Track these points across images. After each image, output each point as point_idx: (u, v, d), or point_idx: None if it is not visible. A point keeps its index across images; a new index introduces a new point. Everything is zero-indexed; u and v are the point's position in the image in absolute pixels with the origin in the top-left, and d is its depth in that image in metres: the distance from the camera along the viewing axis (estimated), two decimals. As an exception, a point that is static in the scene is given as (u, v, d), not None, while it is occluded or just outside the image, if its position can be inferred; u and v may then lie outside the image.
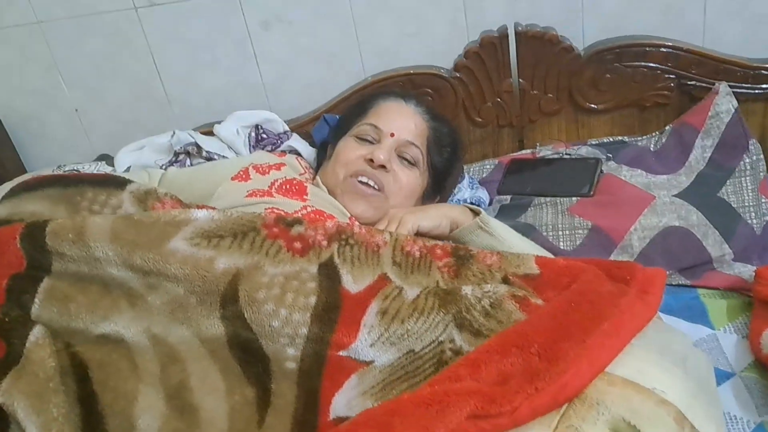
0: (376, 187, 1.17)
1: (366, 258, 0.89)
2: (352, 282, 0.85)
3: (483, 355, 0.74)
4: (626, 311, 0.78)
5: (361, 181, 1.17)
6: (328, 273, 0.85)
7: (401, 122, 1.23)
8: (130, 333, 0.82)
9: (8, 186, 0.98)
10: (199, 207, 0.93)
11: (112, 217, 0.87)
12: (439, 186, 1.31)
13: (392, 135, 1.20)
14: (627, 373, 0.74)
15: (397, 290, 0.85)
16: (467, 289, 0.86)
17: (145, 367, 0.81)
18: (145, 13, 1.54)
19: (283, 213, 1.03)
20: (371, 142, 1.21)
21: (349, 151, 1.21)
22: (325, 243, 0.88)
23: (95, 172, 1.50)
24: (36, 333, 0.79)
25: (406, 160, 1.21)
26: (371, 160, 1.17)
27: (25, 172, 1.71)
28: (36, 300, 0.82)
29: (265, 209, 1.05)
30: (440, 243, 0.94)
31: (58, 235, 0.84)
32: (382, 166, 1.17)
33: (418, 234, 1.09)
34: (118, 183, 0.96)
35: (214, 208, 0.92)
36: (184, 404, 0.79)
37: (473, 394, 0.69)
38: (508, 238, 1.10)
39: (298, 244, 0.87)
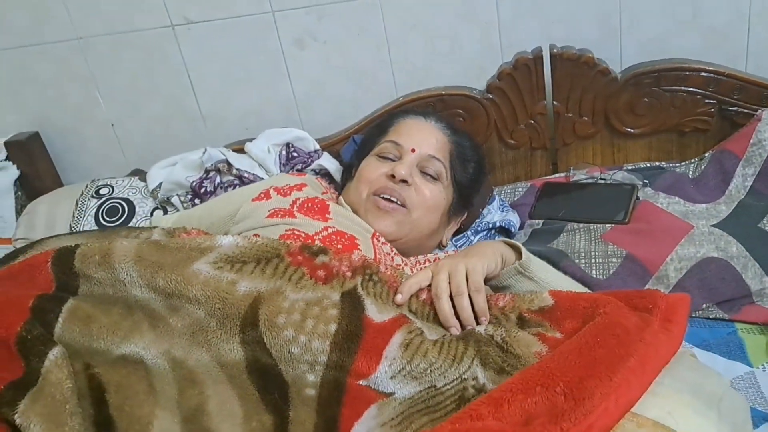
0: (398, 202, 1.17)
1: (387, 298, 0.89)
2: (377, 312, 0.85)
3: (506, 393, 0.72)
4: (651, 345, 0.77)
5: (383, 198, 1.17)
6: (352, 301, 0.85)
7: (422, 138, 1.23)
8: (150, 355, 0.82)
9: None
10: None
11: (138, 241, 0.89)
12: (465, 202, 1.31)
13: (413, 151, 1.21)
14: (657, 414, 0.72)
15: (419, 330, 0.85)
16: (480, 328, 0.86)
17: (162, 390, 0.81)
18: (182, 31, 1.57)
19: (303, 235, 1.04)
20: (393, 160, 1.22)
21: (372, 169, 1.21)
22: (349, 274, 0.88)
23: (128, 187, 1.53)
24: (55, 353, 0.80)
25: (429, 175, 1.21)
26: (392, 176, 1.17)
27: (60, 184, 1.76)
28: (59, 320, 0.83)
29: (286, 230, 1.05)
30: None
31: (85, 257, 0.87)
32: (404, 181, 1.17)
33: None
34: (150, 227, 1.02)
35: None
36: (201, 429, 0.79)
37: (495, 434, 0.67)
38: (549, 281, 1.02)
39: (321, 273, 0.88)
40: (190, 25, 1.56)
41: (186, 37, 1.58)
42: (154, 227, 1.02)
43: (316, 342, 0.79)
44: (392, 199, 1.17)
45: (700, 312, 1.18)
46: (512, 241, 1.06)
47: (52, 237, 1.03)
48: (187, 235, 0.96)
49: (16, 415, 0.74)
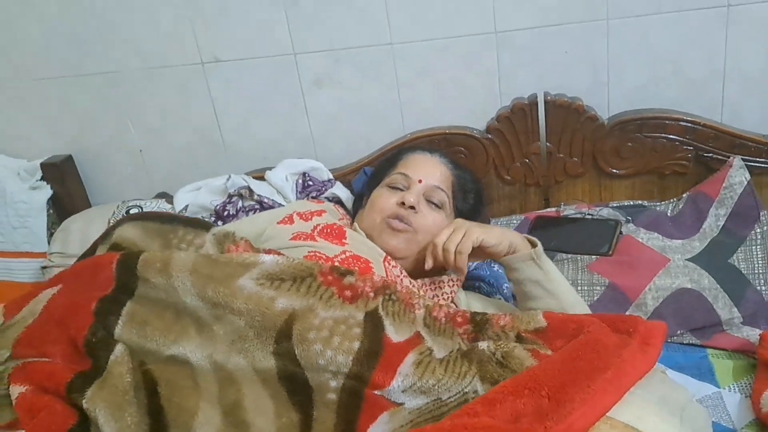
0: (407, 224, 1.28)
1: (404, 315, 0.99)
2: (394, 332, 0.95)
3: (498, 395, 0.82)
4: (628, 361, 0.86)
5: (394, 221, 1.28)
6: (373, 321, 0.95)
7: (428, 170, 1.34)
8: (196, 357, 0.93)
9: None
10: (266, 252, 1.05)
11: (195, 254, 1.01)
12: None
13: (420, 181, 1.31)
14: (628, 418, 0.82)
15: (428, 350, 0.94)
16: (483, 345, 0.95)
17: (206, 387, 0.92)
18: (211, 68, 1.69)
19: (324, 257, 1.14)
20: (402, 189, 1.32)
21: (384, 199, 1.32)
22: (372, 294, 0.98)
23: (155, 208, 1.64)
24: (117, 351, 0.92)
25: (434, 203, 1.31)
26: (402, 203, 1.28)
27: (89, 204, 1.87)
28: (119, 322, 0.96)
29: (309, 252, 1.16)
30: (460, 311, 1.03)
31: (147, 263, 0.99)
32: (412, 207, 1.28)
33: (480, 248, 1.16)
34: (204, 225, 1.14)
35: (279, 253, 1.04)
36: (238, 421, 0.89)
37: (488, 428, 0.77)
38: (555, 277, 1.16)
39: (348, 293, 0.98)
40: (219, 63, 1.68)
41: (214, 73, 1.69)
42: (208, 229, 1.13)
43: (340, 357, 0.89)
44: (402, 222, 1.27)
45: (675, 338, 1.29)
46: (530, 237, 1.20)
47: (123, 221, 1.19)
48: (235, 248, 1.07)
49: (84, 400, 0.86)
